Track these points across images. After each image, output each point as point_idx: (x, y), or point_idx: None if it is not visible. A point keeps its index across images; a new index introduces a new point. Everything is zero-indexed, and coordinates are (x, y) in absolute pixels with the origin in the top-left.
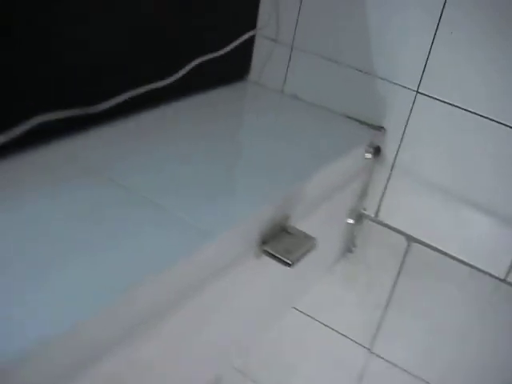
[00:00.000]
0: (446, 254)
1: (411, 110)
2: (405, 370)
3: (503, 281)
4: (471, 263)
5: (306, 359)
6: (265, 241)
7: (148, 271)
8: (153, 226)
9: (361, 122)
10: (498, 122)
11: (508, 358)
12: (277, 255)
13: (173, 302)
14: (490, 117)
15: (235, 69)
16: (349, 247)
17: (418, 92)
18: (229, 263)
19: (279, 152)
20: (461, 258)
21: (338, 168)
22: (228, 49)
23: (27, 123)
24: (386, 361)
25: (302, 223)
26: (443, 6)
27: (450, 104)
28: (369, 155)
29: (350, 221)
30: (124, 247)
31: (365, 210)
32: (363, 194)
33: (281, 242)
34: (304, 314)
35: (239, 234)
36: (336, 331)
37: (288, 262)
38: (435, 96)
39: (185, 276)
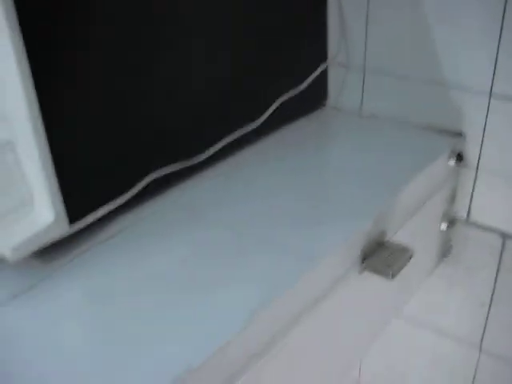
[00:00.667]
0: None
1: (487, 112)
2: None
3: None
4: None
5: (417, 366)
6: (365, 257)
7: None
8: (263, 255)
9: (440, 132)
10: None
11: None
12: (378, 269)
13: (291, 320)
14: None
15: (314, 99)
16: (445, 251)
17: (491, 94)
18: (335, 282)
19: (366, 170)
20: None
21: (425, 178)
22: (305, 84)
23: (145, 179)
24: (497, 357)
25: (398, 235)
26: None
27: None
28: (452, 162)
29: (444, 226)
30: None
31: (456, 213)
32: (452, 198)
33: (380, 256)
34: (409, 321)
35: (343, 254)
36: (442, 334)
37: (389, 275)
38: (509, 95)
39: (300, 296)
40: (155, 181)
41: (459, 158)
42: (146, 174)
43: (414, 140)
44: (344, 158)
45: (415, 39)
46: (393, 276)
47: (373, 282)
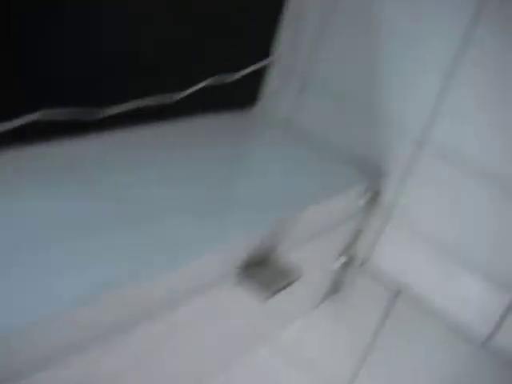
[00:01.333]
0: (431, 308)
1: (414, 159)
2: None
3: (483, 345)
4: (454, 322)
5: None
6: (246, 269)
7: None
8: (130, 239)
9: (362, 164)
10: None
11: None
12: (254, 286)
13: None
14: (499, 176)
15: (244, 96)
16: (335, 288)
17: (422, 142)
18: (205, 286)
19: (272, 185)
20: (444, 315)
21: (330, 208)
22: (240, 75)
23: (30, 116)
24: None
25: (289, 258)
26: (454, 64)
27: (456, 160)
28: (364, 199)
29: (340, 262)
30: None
31: (356, 252)
32: (356, 237)
33: (261, 273)
34: (284, 350)
35: (218, 259)
36: (315, 370)
37: (264, 297)
38: (440, 149)
39: (160, 291)
40: (39, 125)
41: (374, 196)
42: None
43: (333, 166)
44: (253, 167)
45: (365, 64)
46: (267, 298)
47: (248, 298)
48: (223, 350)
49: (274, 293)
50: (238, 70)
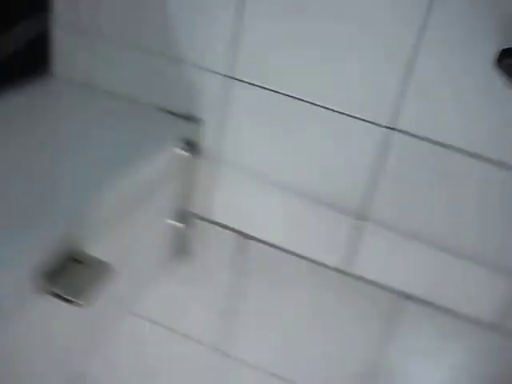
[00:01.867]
0: (283, 249)
1: (227, 97)
2: (259, 369)
3: (340, 271)
4: (307, 256)
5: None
6: (50, 277)
7: None
8: None
9: (174, 115)
10: (320, 106)
11: (354, 347)
12: (63, 296)
13: None
14: (310, 100)
15: (32, 61)
16: (181, 250)
17: (231, 77)
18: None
19: (67, 161)
20: (298, 252)
21: (145, 172)
22: (14, 33)
23: None
24: (241, 361)
25: (108, 241)
26: None
27: (268, 89)
28: (183, 151)
29: (177, 223)
30: None
31: (193, 209)
32: (188, 193)
33: (70, 276)
34: (148, 319)
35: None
36: (183, 335)
37: (79, 303)
38: (251, 81)
39: None
40: None
41: (193, 146)
42: None
43: (141, 123)
44: (59, 134)
45: (152, 5)
46: (84, 305)
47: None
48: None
49: (91, 296)
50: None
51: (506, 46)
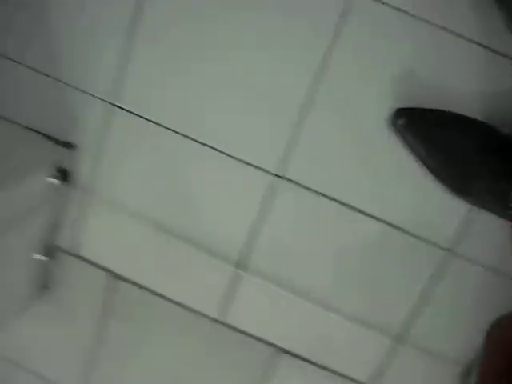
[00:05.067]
0: (154, 293)
1: (107, 124)
2: None
3: (215, 320)
4: (181, 302)
5: None
6: None
7: None
8: None
9: (49, 139)
10: (204, 144)
11: None
12: None
13: None
14: (195, 138)
15: None
16: (47, 285)
17: (113, 104)
18: None
19: None
20: (171, 297)
21: (8, 199)
22: None
23: None
24: None
25: None
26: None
27: (150, 120)
28: (54, 179)
29: (42, 257)
30: None
31: (60, 243)
32: (55, 225)
33: None
34: (7, 359)
35: None
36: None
37: None
38: (133, 110)
39: None
40: None
41: (64, 175)
42: None
43: (12, 145)
44: None
45: (35, 24)
46: None
47: None
48: None
49: None
50: None
51: (399, 107)
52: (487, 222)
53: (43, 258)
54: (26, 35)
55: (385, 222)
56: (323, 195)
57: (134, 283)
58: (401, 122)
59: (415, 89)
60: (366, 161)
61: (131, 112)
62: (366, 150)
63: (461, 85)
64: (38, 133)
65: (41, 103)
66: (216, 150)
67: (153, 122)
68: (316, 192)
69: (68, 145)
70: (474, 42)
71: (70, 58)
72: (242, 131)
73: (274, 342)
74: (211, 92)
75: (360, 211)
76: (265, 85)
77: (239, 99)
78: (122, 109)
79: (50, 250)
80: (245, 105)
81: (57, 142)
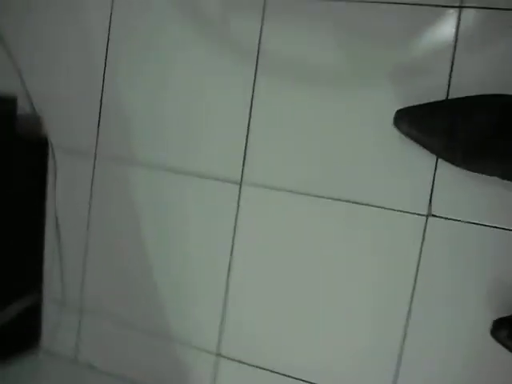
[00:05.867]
0: None
1: (216, 375)
2: None
3: None
4: None
5: None
6: None
7: None
8: None
9: None
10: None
11: None
12: None
13: None
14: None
15: (23, 336)
16: None
17: (219, 355)
18: None
19: None
20: None
21: None
22: (8, 312)
23: None
24: None
25: None
26: None
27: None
28: None
29: None
30: None
31: None
32: None
33: None
34: None
35: None
36: None
37: None
38: (236, 357)
39: None
40: None
41: None
42: None
43: None
44: None
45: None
46: None
47: None
48: None
49: None
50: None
51: (497, 317)
52: None
53: None
54: (130, 295)
55: None
56: None
57: None
58: (503, 333)
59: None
60: None
61: (233, 359)
62: None
63: None
64: None
65: (152, 359)
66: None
67: (253, 365)
68: None
69: None
70: None
71: (175, 314)
72: None
73: None
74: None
75: None
76: None
77: None
78: (226, 357)
79: None
80: None
81: None
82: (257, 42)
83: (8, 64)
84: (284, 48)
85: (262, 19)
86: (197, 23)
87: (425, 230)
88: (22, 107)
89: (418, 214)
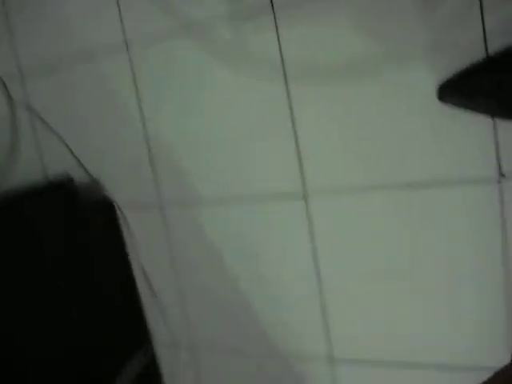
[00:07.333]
0: None
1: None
2: None
3: None
4: None
5: None
6: None
7: None
8: None
9: None
10: None
11: None
12: None
13: None
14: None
15: None
16: None
17: (332, 358)
18: None
19: None
20: None
21: None
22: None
23: None
24: None
25: None
26: None
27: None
28: None
29: None
30: None
31: None
32: None
33: None
34: None
35: None
36: None
37: None
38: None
39: None
40: None
41: None
42: None
43: None
44: None
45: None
46: None
47: None
48: None
49: None
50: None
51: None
52: None
53: None
54: (243, 327)
55: None
56: None
57: None
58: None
59: None
60: None
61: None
62: None
63: None
64: None
65: (268, 380)
66: None
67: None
68: None
69: None
70: None
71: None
72: None
73: None
74: None
75: None
76: None
77: None
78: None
79: None
80: None
81: None
82: (277, 48)
83: (54, 140)
84: (306, 47)
85: (276, 23)
86: (210, 46)
87: (501, 193)
88: (79, 176)
89: (490, 180)
